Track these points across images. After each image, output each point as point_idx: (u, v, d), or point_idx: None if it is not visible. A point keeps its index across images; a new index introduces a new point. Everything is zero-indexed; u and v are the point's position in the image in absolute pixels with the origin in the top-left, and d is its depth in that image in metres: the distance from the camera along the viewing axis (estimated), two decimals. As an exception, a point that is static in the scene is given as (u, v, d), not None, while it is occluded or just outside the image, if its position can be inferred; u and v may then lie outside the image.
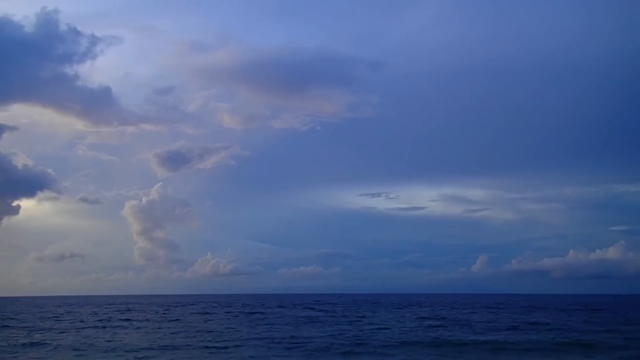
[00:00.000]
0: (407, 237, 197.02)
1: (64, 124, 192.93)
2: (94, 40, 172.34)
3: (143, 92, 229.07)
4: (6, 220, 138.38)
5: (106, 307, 69.74)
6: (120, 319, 44.36)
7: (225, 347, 25.13)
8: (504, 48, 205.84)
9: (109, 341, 27.77)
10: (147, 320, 43.69)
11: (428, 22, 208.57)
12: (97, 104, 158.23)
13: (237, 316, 48.74)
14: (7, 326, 37.72)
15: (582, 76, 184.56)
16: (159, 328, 35.84)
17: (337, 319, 43.66)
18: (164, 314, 53.65)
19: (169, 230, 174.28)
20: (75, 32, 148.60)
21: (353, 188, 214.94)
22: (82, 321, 42.48)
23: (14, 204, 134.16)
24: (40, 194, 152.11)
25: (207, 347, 25.13)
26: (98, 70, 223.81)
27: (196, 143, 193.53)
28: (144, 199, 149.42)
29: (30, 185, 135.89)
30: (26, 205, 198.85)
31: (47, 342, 27.56)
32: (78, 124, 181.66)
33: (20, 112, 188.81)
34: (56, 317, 48.56)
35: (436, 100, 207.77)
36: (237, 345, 25.79)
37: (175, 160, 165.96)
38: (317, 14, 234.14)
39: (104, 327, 36.17)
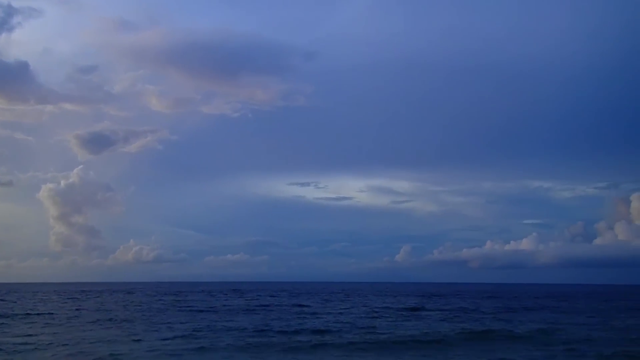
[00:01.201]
0: (335, 227, 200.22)
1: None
2: (10, 11, 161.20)
3: (64, 69, 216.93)
4: None
5: (17, 295, 64.76)
6: (30, 309, 40.95)
7: (140, 340, 23.04)
8: (435, 45, 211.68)
9: (16, 337, 25.04)
10: (58, 311, 40.65)
11: (364, 14, 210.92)
12: (12, 79, 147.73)
13: (160, 304, 46.47)
14: None
15: (504, 76, 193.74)
16: (75, 317, 33.24)
17: (267, 308, 42.72)
18: (80, 302, 50.40)
19: (89, 216, 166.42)
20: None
21: (283, 177, 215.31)
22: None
23: None
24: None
25: (135, 341, 22.86)
26: (15, 44, 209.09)
27: (121, 125, 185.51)
28: (63, 182, 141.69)
29: None
30: None
31: None
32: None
33: None
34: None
35: (367, 93, 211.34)
36: (158, 338, 24.02)
37: (98, 142, 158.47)
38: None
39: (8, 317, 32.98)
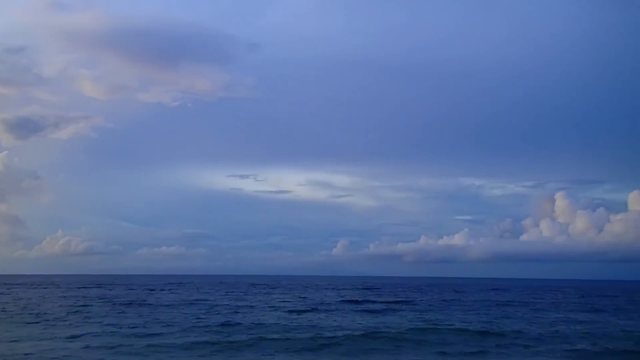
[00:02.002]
0: (273, 220, 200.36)
1: None
2: None
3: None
4: None
5: None
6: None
7: (72, 337, 21.72)
8: (378, 43, 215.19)
9: None
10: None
11: (308, 8, 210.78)
12: None
13: (89, 298, 44.36)
14: None
15: (441, 76, 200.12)
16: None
17: (203, 302, 41.73)
18: (1, 296, 47.26)
19: (13, 204, 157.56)
20: None
21: (222, 168, 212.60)
22: None
23: None
24: None
25: (66, 338, 21.41)
26: None
27: (51, 110, 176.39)
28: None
29: None
30: None
31: None
32: None
33: None
34: None
35: (310, 87, 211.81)
36: (89, 334, 22.80)
37: (25, 127, 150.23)
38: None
39: None
